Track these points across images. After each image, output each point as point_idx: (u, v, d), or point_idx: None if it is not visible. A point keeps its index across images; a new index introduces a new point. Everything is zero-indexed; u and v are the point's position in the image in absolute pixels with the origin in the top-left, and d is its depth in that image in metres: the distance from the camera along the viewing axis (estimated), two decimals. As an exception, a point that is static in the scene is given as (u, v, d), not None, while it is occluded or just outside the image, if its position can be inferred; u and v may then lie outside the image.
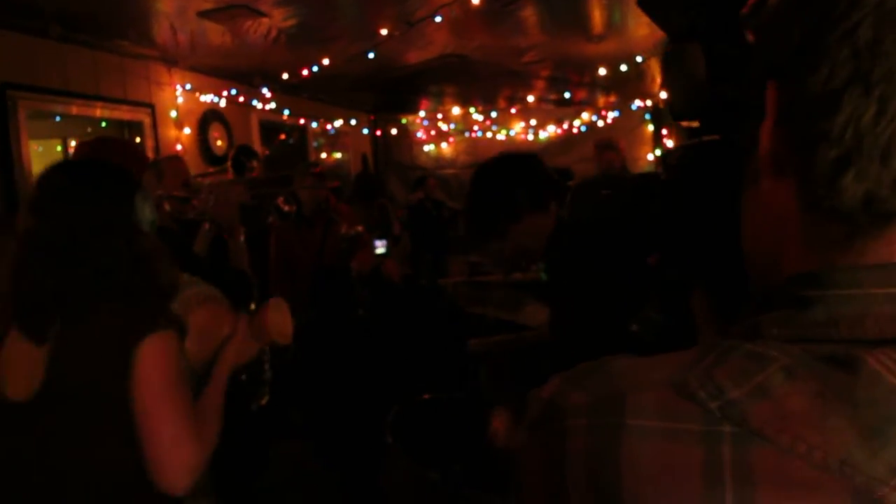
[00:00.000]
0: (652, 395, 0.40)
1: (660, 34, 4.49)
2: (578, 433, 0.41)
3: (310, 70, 4.64)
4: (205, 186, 2.47)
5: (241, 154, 4.58)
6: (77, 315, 1.24)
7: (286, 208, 3.12)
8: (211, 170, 3.21)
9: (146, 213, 1.35)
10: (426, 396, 2.16)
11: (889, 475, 0.33)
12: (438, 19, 3.54)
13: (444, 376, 3.07)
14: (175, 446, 1.21)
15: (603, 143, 5.03)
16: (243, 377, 1.70)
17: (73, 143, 5.76)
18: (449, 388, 2.26)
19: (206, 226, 2.30)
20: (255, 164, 4.46)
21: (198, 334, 1.50)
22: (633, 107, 6.57)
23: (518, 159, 1.72)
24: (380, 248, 3.78)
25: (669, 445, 0.37)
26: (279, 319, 1.56)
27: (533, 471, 0.44)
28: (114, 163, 1.46)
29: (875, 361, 0.35)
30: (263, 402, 2.05)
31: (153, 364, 1.22)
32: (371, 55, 4.17)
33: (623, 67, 4.77)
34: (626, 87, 5.83)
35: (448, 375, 3.03)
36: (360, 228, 3.48)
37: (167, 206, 2.28)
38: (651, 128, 6.65)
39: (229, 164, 4.57)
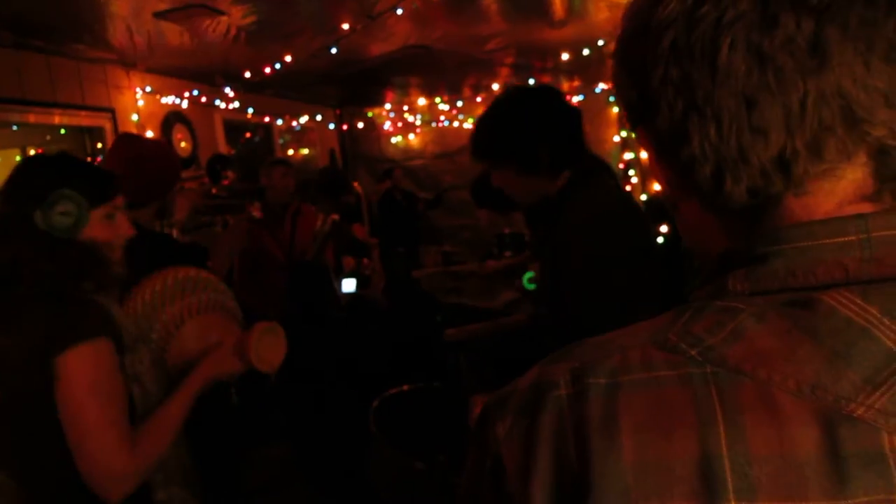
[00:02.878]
0: (637, 352, 0.44)
1: (619, 17, 4.52)
2: (572, 400, 0.43)
3: (272, 67, 4.59)
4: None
5: (217, 162, 4.55)
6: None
7: (256, 214, 3.11)
8: (183, 175, 3.17)
9: (53, 218, 1.27)
10: (405, 388, 2.19)
11: (854, 392, 0.38)
12: (400, 12, 3.53)
13: (423, 367, 3.09)
14: (103, 457, 1.18)
15: None
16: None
17: (32, 152, 5.63)
18: (429, 379, 2.28)
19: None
20: (229, 172, 4.44)
21: (188, 340, 1.48)
22: (597, 90, 6.62)
23: (543, 103, 1.49)
24: (347, 286, 3.74)
25: (661, 391, 0.41)
26: (266, 345, 1.49)
27: (530, 457, 0.43)
28: (52, 161, 1.35)
29: (830, 299, 0.40)
30: None
31: (75, 375, 1.19)
32: (334, 50, 4.14)
33: (585, 52, 4.80)
34: (588, 70, 5.86)
35: (428, 366, 3.05)
36: (335, 217, 3.47)
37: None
38: (616, 110, 6.71)
39: (204, 171, 4.54)
